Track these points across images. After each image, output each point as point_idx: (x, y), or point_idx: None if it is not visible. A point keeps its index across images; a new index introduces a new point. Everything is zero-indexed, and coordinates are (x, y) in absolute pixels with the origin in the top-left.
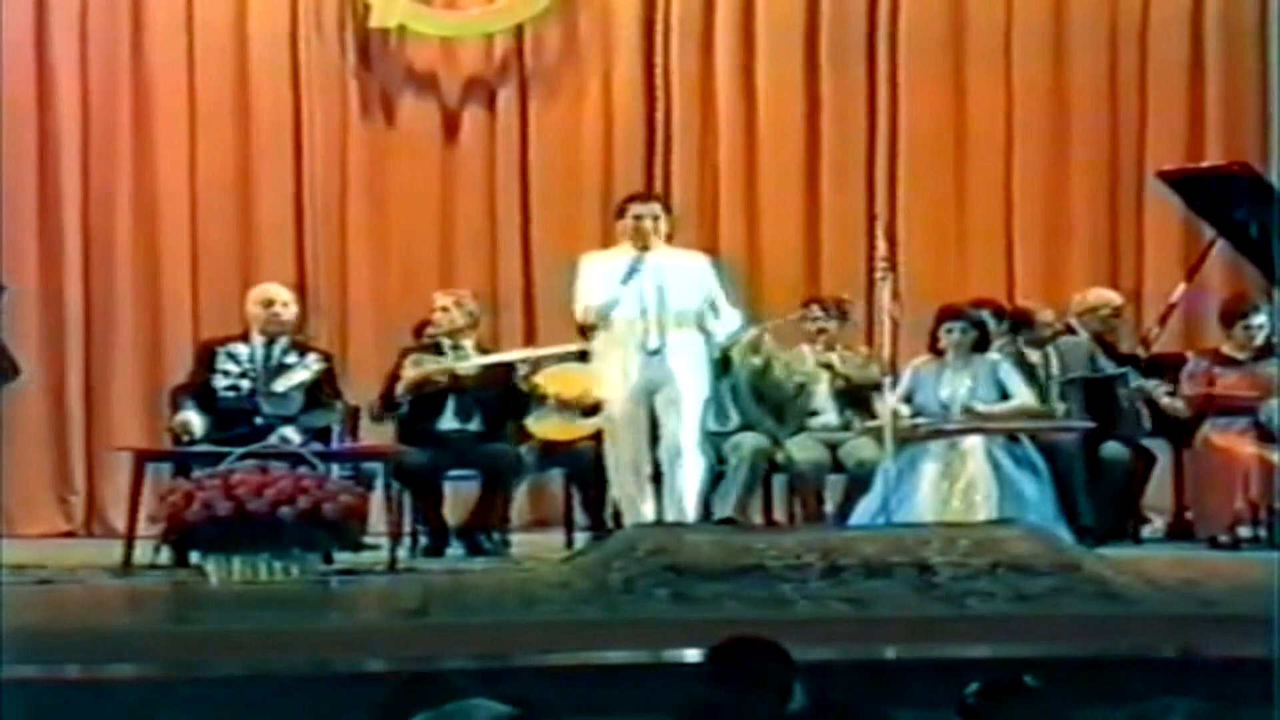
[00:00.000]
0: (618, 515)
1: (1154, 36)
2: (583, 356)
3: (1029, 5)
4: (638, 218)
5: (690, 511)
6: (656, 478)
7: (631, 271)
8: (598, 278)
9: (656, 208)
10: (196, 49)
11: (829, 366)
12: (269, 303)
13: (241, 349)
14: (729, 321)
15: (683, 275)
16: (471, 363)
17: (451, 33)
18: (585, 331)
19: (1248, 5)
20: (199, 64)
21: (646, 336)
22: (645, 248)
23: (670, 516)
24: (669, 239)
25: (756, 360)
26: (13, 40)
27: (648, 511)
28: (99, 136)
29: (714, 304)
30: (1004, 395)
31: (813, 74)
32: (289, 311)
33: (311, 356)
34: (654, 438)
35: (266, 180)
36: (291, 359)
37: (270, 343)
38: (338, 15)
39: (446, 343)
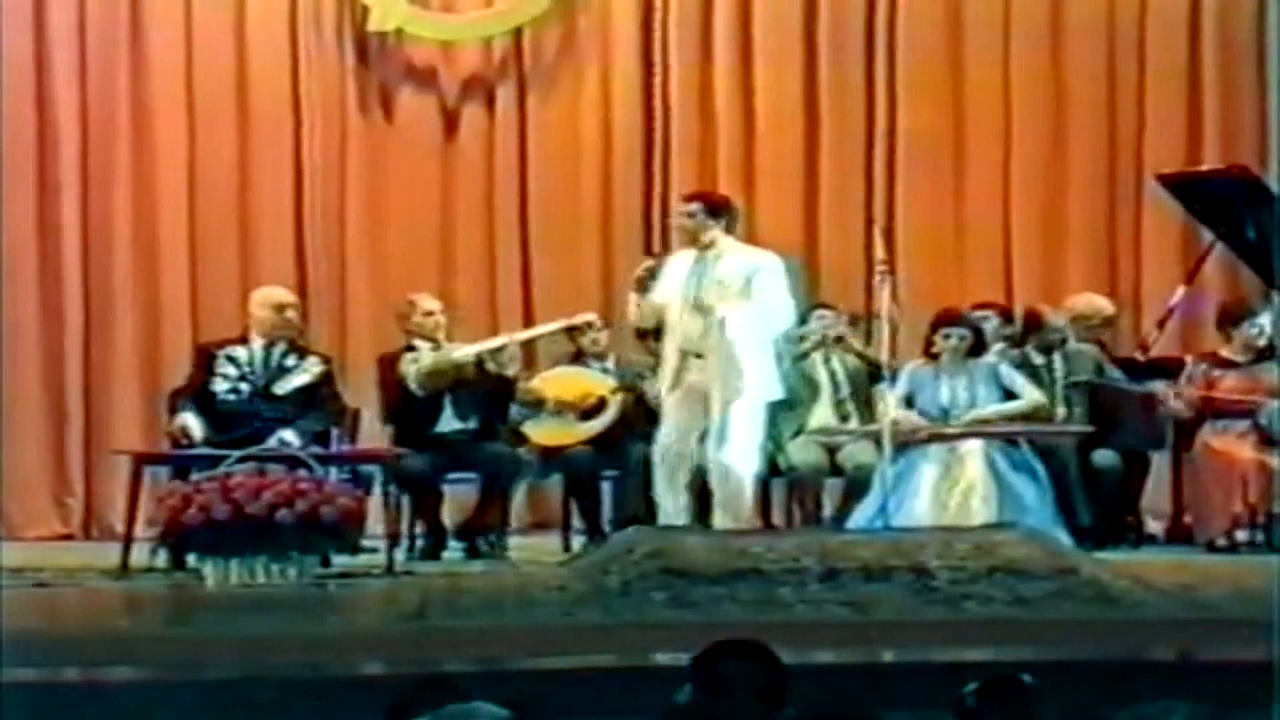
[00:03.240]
0: (616, 518)
1: (1152, 40)
2: (578, 359)
3: (1027, 8)
4: (677, 214)
5: (744, 519)
6: (700, 483)
7: (649, 273)
8: (653, 280)
9: (691, 205)
10: (195, 49)
11: (840, 339)
12: (280, 307)
13: (241, 351)
14: (774, 319)
15: (734, 272)
16: (468, 349)
17: (450, 36)
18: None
19: (1245, 9)
20: (197, 64)
21: (685, 337)
22: (695, 246)
23: (719, 524)
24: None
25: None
26: (12, 42)
27: (673, 512)
28: (98, 137)
29: (750, 298)
30: (1008, 396)
31: (811, 76)
32: (297, 316)
33: (311, 359)
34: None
35: (266, 181)
36: (291, 362)
37: (270, 345)
38: (336, 17)
39: (424, 345)
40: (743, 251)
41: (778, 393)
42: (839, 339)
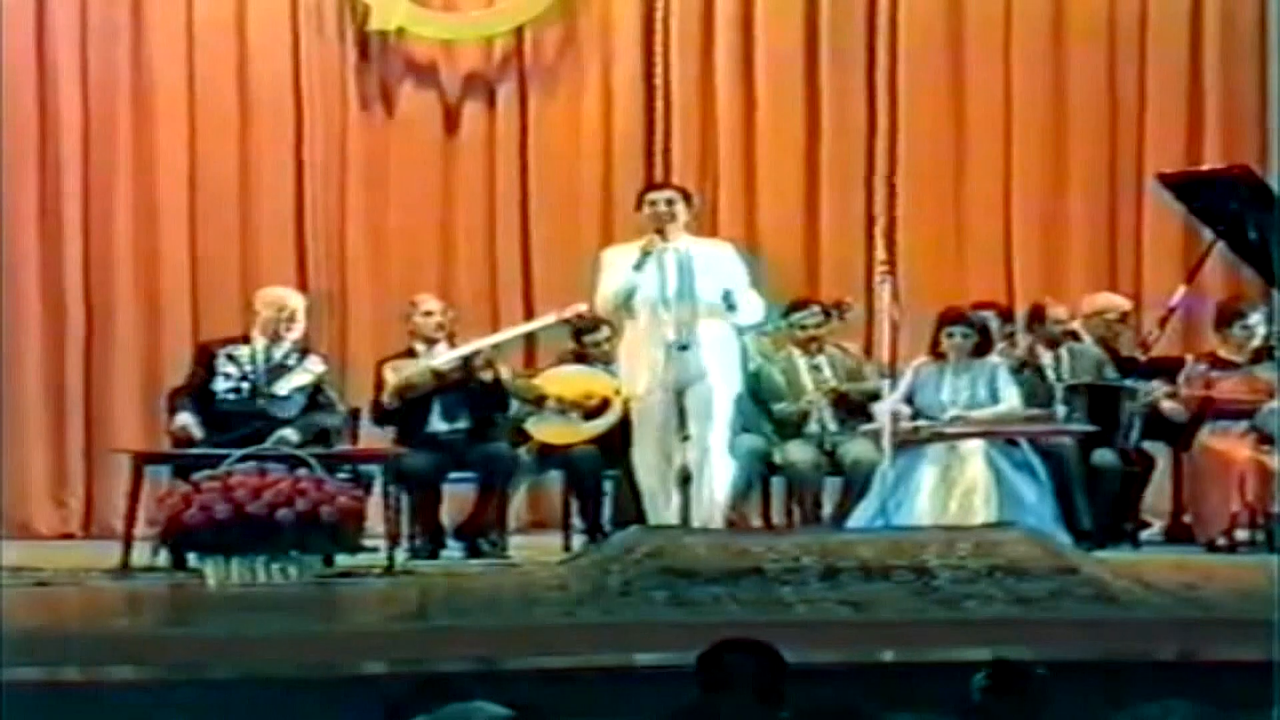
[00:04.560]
0: (617, 518)
1: (1153, 38)
2: (581, 359)
3: (1028, 8)
4: (652, 204)
5: (719, 516)
6: (687, 479)
7: (645, 255)
8: (617, 268)
9: (670, 193)
10: (196, 47)
11: (821, 380)
12: (288, 310)
13: (242, 351)
14: (746, 312)
15: (707, 264)
16: (447, 356)
17: (451, 35)
18: (581, 334)
19: (1247, 7)
20: (198, 62)
21: (672, 330)
22: (663, 234)
23: (698, 520)
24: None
25: (750, 366)
26: (13, 41)
27: (671, 513)
28: (99, 136)
29: (729, 294)
30: (996, 400)
31: (812, 74)
32: (302, 318)
33: (312, 359)
34: (685, 437)
35: (266, 179)
36: (292, 361)
37: (272, 345)
38: (337, 15)
39: (421, 348)
40: (707, 242)
41: (740, 385)
42: (813, 339)
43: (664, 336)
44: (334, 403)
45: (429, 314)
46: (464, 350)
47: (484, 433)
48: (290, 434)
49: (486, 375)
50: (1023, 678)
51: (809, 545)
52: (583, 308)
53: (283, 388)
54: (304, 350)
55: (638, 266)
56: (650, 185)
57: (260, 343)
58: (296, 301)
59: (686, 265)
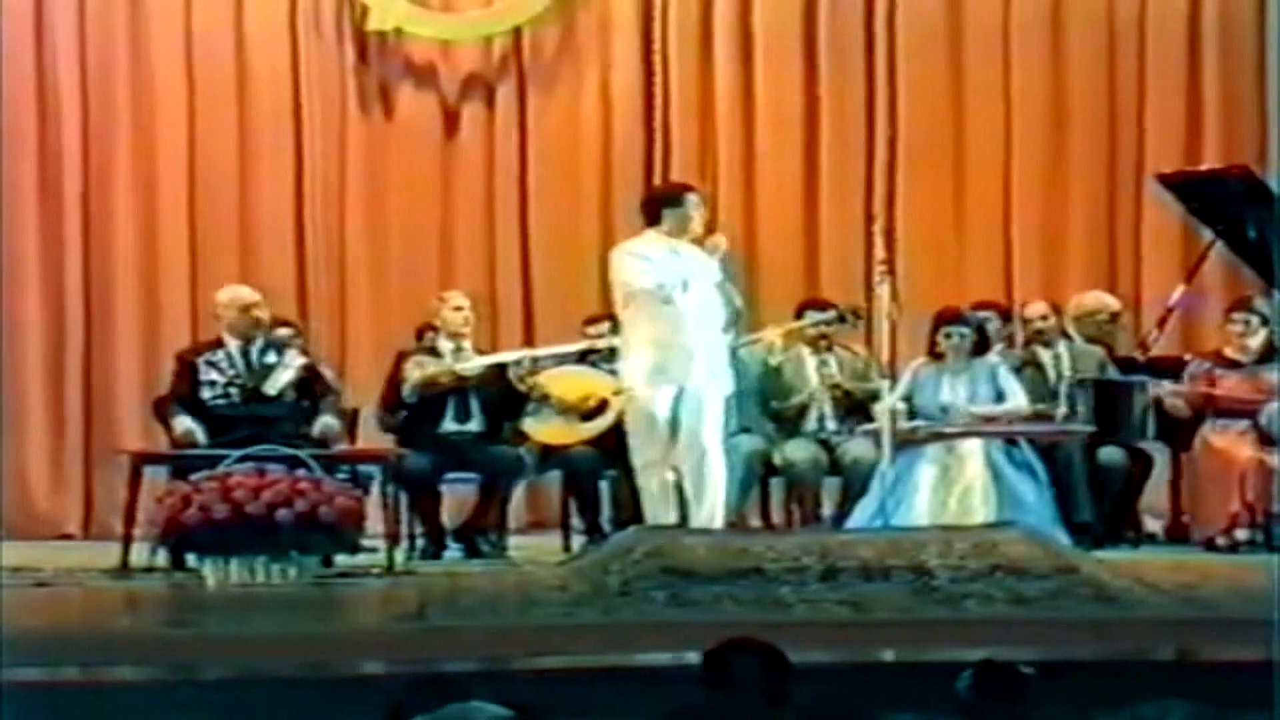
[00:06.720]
0: (616, 518)
1: (1152, 38)
2: (583, 358)
3: (1027, 7)
4: (697, 208)
5: (717, 517)
6: (682, 480)
7: (706, 250)
8: (660, 259)
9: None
10: (195, 49)
11: (827, 375)
12: (246, 306)
13: (219, 355)
14: (735, 308)
15: (705, 262)
16: (475, 363)
17: (449, 35)
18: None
19: (1246, 6)
20: (197, 64)
21: (671, 328)
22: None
23: (696, 522)
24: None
25: (772, 361)
26: (12, 41)
27: (671, 514)
28: (98, 136)
29: (724, 288)
30: (1000, 398)
31: (811, 74)
32: (265, 312)
33: (290, 354)
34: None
35: (265, 180)
36: (271, 359)
37: (247, 345)
38: (335, 16)
39: (448, 345)
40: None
41: (732, 386)
42: (823, 336)
43: (659, 333)
44: (331, 388)
45: (459, 309)
46: (494, 359)
47: (492, 435)
48: (331, 421)
49: (521, 387)
50: (1008, 678)
51: (809, 545)
52: (616, 341)
53: (271, 387)
54: (280, 346)
55: (674, 257)
56: (688, 187)
57: (234, 345)
58: (255, 298)
59: (686, 262)
